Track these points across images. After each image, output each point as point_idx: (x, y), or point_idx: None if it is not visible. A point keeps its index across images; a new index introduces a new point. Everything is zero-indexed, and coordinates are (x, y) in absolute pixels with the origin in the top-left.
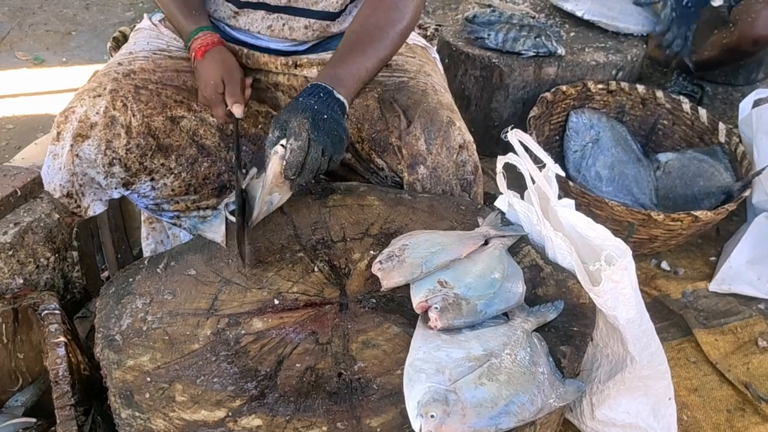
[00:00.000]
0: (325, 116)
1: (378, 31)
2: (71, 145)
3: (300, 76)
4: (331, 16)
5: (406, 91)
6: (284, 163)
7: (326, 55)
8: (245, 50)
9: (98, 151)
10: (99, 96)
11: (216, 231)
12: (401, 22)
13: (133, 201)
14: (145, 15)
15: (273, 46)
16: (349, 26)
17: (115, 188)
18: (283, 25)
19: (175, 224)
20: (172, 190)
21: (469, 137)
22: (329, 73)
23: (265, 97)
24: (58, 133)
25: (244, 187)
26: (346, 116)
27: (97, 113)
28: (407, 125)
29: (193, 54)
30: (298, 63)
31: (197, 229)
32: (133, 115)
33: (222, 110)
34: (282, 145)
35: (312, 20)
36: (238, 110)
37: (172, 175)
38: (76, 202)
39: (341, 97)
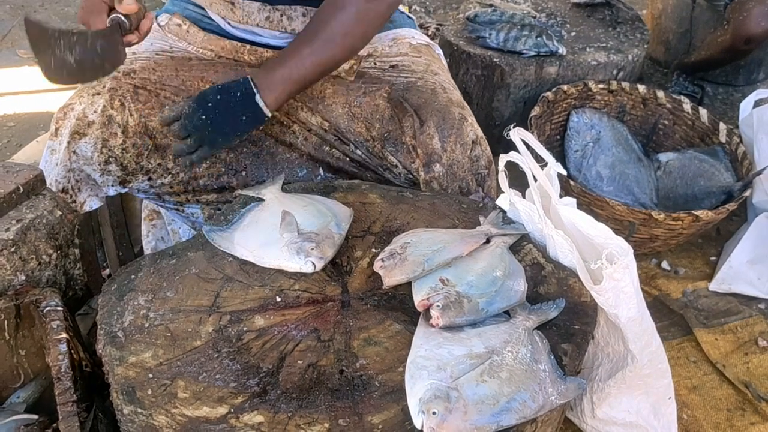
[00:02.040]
0: (204, 117)
1: (319, 35)
2: (68, 142)
3: None
4: None
5: (415, 91)
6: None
7: None
8: (248, 46)
9: (95, 149)
10: (98, 94)
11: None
12: (347, 22)
13: (133, 193)
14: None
15: (273, 42)
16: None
17: (112, 186)
18: (281, 15)
19: (177, 210)
20: (171, 188)
21: (481, 132)
22: (268, 72)
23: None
24: (57, 129)
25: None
26: (258, 125)
27: (94, 111)
28: (420, 125)
29: None
30: None
31: (208, 233)
32: (131, 115)
33: (102, 17)
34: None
35: (309, 8)
36: (126, 3)
37: (170, 175)
38: (71, 197)
39: (261, 104)
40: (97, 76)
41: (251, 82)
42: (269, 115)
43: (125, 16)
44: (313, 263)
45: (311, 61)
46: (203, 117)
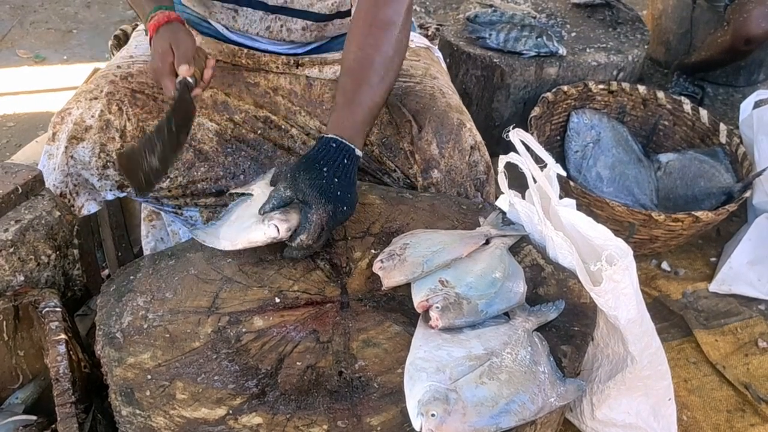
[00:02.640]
0: (345, 207)
1: (378, 54)
2: (66, 147)
3: (302, 76)
4: (328, 18)
5: (413, 96)
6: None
7: (327, 56)
8: (245, 50)
9: (92, 154)
10: (95, 99)
11: (217, 239)
12: (401, 41)
13: (131, 197)
14: None
15: (272, 48)
16: (345, 56)
17: (110, 190)
18: (281, 26)
19: (175, 213)
20: (169, 191)
21: (480, 137)
22: (344, 122)
23: (263, 102)
24: (54, 134)
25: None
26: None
27: (92, 116)
28: (418, 130)
29: (149, 33)
30: (299, 62)
31: (197, 233)
32: (128, 119)
33: (171, 82)
34: (287, 228)
35: (309, 22)
36: (183, 69)
37: (168, 179)
38: (69, 201)
39: (357, 152)
40: (178, 153)
41: (343, 141)
42: (361, 154)
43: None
44: (276, 226)
45: (380, 86)
46: (344, 208)
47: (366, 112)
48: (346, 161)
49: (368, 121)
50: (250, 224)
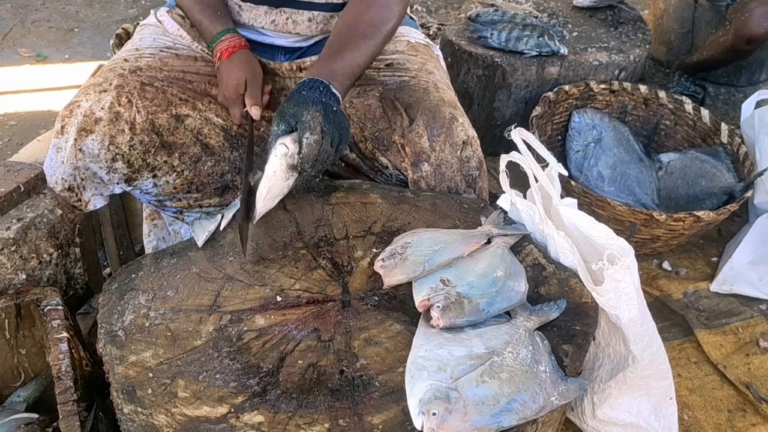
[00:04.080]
0: (334, 108)
1: (370, 28)
2: (75, 139)
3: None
4: (336, 8)
5: (407, 90)
6: (298, 157)
7: None
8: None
9: (102, 147)
10: (105, 91)
11: (201, 231)
12: (391, 21)
13: (136, 196)
14: (151, 11)
15: (278, 42)
16: (339, 20)
17: (117, 184)
18: (287, 18)
19: (177, 218)
20: (174, 188)
21: (473, 133)
22: (324, 68)
23: (269, 102)
24: (62, 127)
25: (252, 184)
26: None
27: (102, 108)
28: (409, 123)
29: (219, 54)
30: (302, 67)
31: (190, 224)
32: (138, 112)
33: (240, 111)
34: (292, 140)
35: (315, 12)
36: (256, 112)
37: (175, 173)
38: (77, 195)
39: (336, 92)
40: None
41: (317, 78)
42: (341, 102)
43: None
44: (283, 144)
45: (366, 54)
46: (334, 108)
47: (346, 67)
48: (321, 87)
49: (346, 74)
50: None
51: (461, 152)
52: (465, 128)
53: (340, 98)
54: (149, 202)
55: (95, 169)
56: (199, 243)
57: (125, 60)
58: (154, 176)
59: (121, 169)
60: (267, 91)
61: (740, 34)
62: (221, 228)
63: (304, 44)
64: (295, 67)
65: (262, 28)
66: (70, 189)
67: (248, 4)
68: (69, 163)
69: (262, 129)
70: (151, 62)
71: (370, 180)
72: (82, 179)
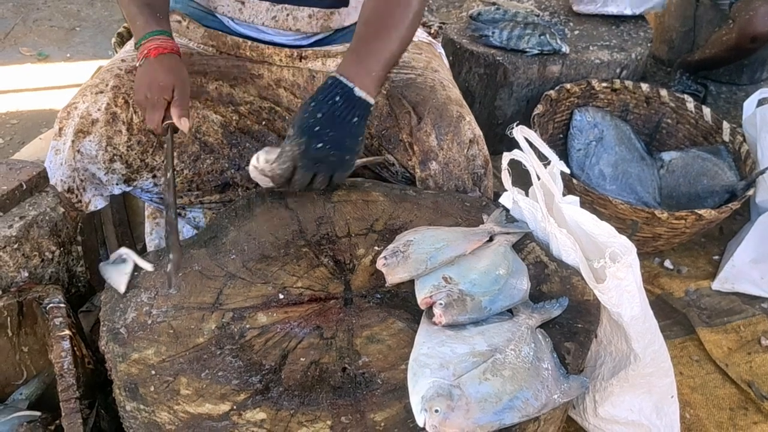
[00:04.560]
0: (320, 144)
1: (399, 9)
2: (72, 141)
3: (305, 69)
4: (335, 4)
5: (414, 88)
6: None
7: (331, 48)
8: (249, 42)
9: (99, 148)
10: (101, 92)
11: (119, 276)
12: (414, 4)
13: (136, 195)
14: None
15: (278, 39)
16: (364, 8)
17: (116, 184)
18: (287, 15)
19: (179, 214)
20: (176, 186)
21: (479, 131)
22: (353, 62)
23: (267, 94)
24: (60, 129)
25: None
26: (368, 114)
27: (98, 110)
28: (417, 122)
29: (145, 51)
30: (303, 55)
31: (102, 271)
32: (135, 112)
33: (160, 116)
34: (265, 155)
35: (316, 9)
36: (185, 124)
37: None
38: (77, 196)
39: (363, 95)
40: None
41: (341, 79)
42: (373, 103)
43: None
44: (257, 156)
45: (397, 37)
46: (319, 145)
47: (377, 59)
48: (338, 98)
49: (378, 67)
50: None
51: (468, 150)
52: (472, 126)
53: (368, 100)
54: (150, 200)
55: (94, 170)
56: (121, 289)
57: (122, 60)
58: (154, 176)
59: (120, 169)
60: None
61: (744, 32)
62: (141, 269)
63: (304, 42)
64: (295, 54)
65: (263, 24)
66: (69, 191)
67: (251, 1)
68: (67, 164)
69: (263, 122)
70: None
71: (376, 175)
72: (82, 180)
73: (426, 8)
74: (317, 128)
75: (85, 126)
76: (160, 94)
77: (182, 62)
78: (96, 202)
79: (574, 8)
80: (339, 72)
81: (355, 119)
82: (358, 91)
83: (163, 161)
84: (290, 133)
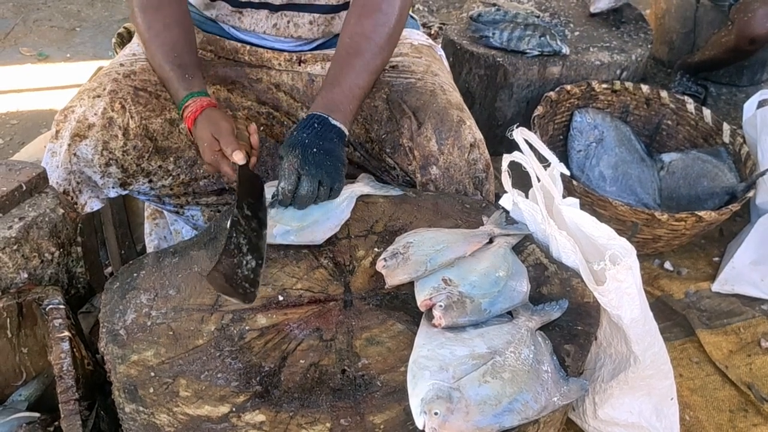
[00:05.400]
0: (315, 149)
1: (364, 41)
2: (69, 144)
3: (304, 73)
4: (335, 9)
5: (414, 92)
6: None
7: (331, 52)
8: (248, 47)
9: (95, 152)
10: (98, 97)
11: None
12: (387, 26)
13: (134, 195)
14: None
15: (278, 46)
16: (338, 40)
17: (112, 188)
18: (288, 22)
19: (178, 213)
20: (171, 189)
21: (480, 135)
22: (323, 101)
23: (266, 98)
24: (57, 132)
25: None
26: (344, 142)
27: (95, 114)
28: (418, 126)
29: (187, 125)
30: (302, 59)
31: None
32: (131, 117)
33: (228, 166)
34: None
35: (316, 15)
36: (238, 156)
37: (171, 177)
38: (73, 199)
39: (337, 124)
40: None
41: (316, 113)
42: (347, 133)
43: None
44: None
45: (366, 72)
46: (314, 150)
47: (346, 92)
48: (316, 125)
49: (348, 100)
50: None
51: (469, 155)
52: (472, 131)
53: (343, 128)
54: (148, 200)
55: (89, 174)
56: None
57: (121, 64)
58: (150, 181)
59: (116, 173)
60: (252, 131)
61: (743, 34)
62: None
63: (306, 48)
64: (294, 58)
65: (264, 32)
66: (65, 193)
67: (249, 9)
68: (63, 167)
69: (261, 127)
70: (146, 66)
71: (376, 178)
72: (78, 183)
73: (426, 9)
74: (307, 141)
75: (81, 130)
76: (212, 152)
77: (215, 110)
78: (92, 204)
79: (591, 10)
80: (313, 110)
81: (335, 139)
82: (333, 120)
83: (234, 200)
84: (282, 153)
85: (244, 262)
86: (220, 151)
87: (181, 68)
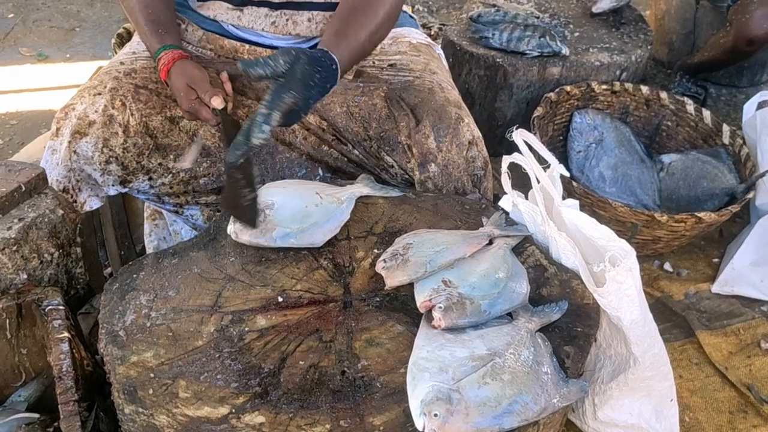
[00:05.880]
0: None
1: (366, 4)
2: (69, 142)
3: None
4: (334, 7)
5: (412, 90)
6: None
7: None
8: (247, 46)
9: (95, 149)
10: (99, 94)
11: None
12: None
13: (133, 194)
14: None
15: (277, 43)
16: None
17: (112, 185)
18: (287, 20)
19: (176, 212)
20: (171, 188)
21: (478, 133)
22: (325, 41)
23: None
24: (58, 129)
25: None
26: (337, 75)
27: (95, 111)
28: (416, 124)
29: (162, 77)
30: None
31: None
32: (132, 115)
33: (206, 111)
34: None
35: (315, 12)
36: (217, 101)
37: (170, 175)
38: (72, 197)
39: (333, 56)
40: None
41: (326, 51)
42: (338, 81)
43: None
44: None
45: (365, 31)
46: (296, 64)
47: (347, 41)
48: (310, 50)
49: (345, 46)
50: None
51: (467, 152)
52: (471, 128)
53: (337, 61)
54: (148, 199)
55: (89, 171)
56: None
57: (121, 63)
58: (150, 178)
59: (116, 171)
60: (224, 78)
61: (741, 35)
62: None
63: (305, 45)
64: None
65: (263, 30)
66: (65, 190)
67: (249, 7)
68: (63, 165)
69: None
70: (146, 64)
71: (375, 176)
72: (77, 181)
73: (426, 10)
74: (295, 55)
75: (81, 127)
76: (188, 100)
77: (187, 61)
78: (91, 203)
79: (594, 10)
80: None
81: (327, 62)
82: (332, 54)
83: (219, 138)
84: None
85: (243, 194)
86: (197, 99)
87: (155, 23)
